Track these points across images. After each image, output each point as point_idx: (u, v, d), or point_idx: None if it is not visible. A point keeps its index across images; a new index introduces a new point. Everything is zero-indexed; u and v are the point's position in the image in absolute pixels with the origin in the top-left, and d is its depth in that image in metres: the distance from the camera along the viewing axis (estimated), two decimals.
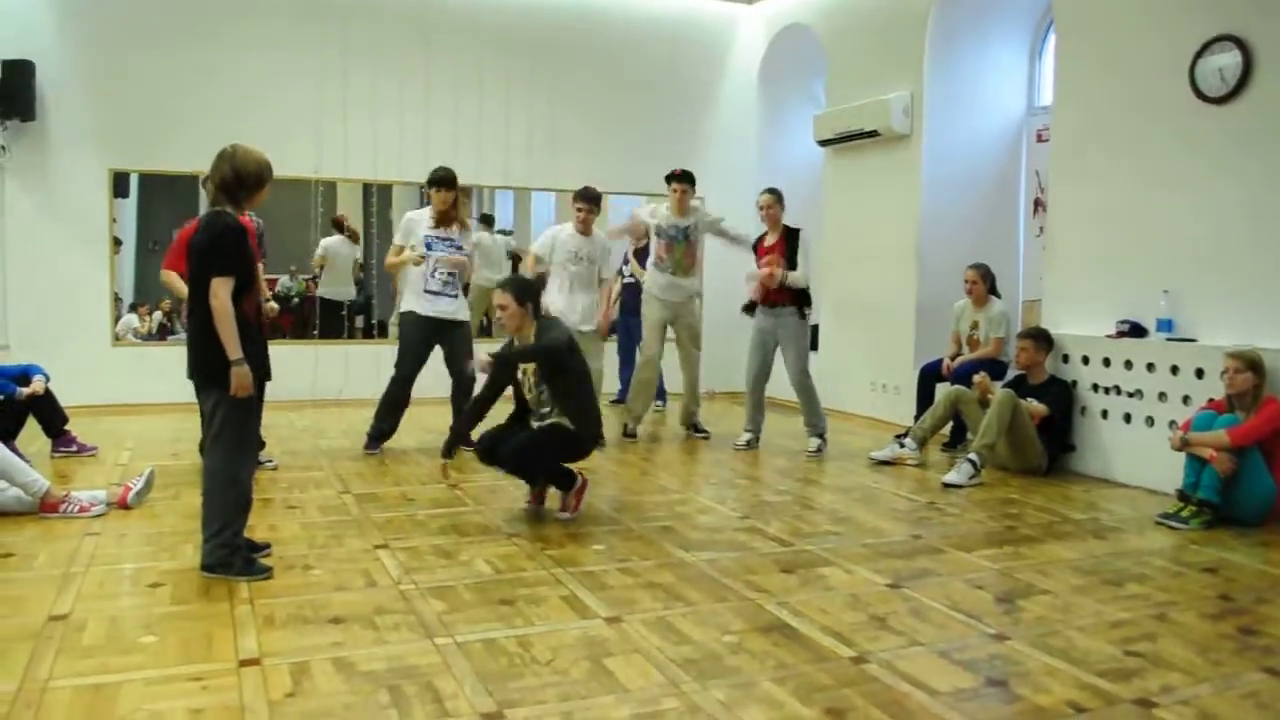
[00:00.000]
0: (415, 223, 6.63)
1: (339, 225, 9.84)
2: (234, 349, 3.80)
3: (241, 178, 3.93)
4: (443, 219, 6.60)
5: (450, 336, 6.64)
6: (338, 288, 9.90)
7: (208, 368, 3.88)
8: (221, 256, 3.82)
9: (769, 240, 7.18)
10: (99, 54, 8.56)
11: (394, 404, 6.69)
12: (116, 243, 8.92)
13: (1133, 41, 6.36)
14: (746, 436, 7.33)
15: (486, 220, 10.37)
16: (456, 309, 6.65)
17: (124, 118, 8.64)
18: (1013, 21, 8.33)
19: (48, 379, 6.31)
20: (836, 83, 9.34)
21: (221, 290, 3.78)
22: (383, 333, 10.04)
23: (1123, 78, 6.42)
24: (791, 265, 7.01)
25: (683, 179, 7.28)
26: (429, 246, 6.54)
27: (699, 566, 4.24)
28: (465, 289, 6.95)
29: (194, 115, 8.59)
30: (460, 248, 6.65)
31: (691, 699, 2.89)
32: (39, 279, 8.41)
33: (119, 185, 8.91)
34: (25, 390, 6.12)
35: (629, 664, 3.13)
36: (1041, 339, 6.57)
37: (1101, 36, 6.58)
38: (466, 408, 5.50)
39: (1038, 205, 8.19)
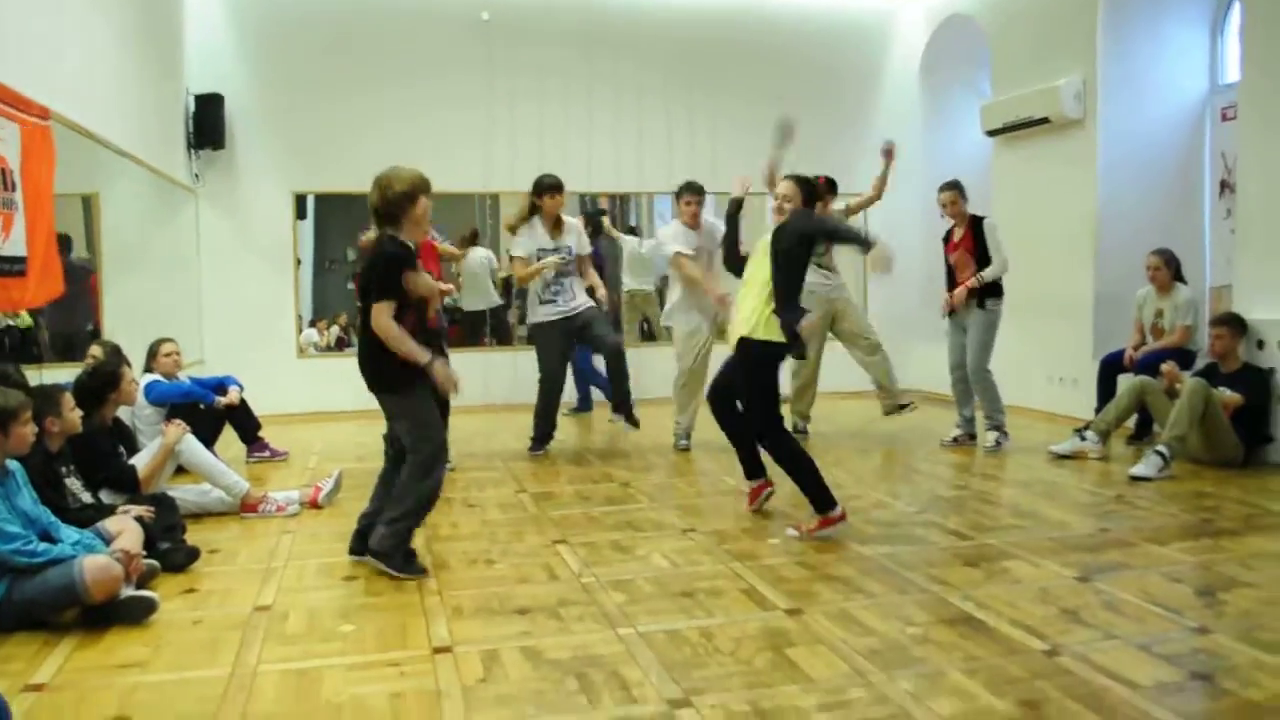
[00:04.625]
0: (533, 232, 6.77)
1: (474, 239, 10.04)
2: (419, 357, 3.92)
3: (389, 200, 4.01)
4: (555, 226, 6.73)
5: (581, 324, 6.75)
6: (477, 298, 10.10)
7: (378, 378, 4.06)
8: (380, 283, 3.93)
9: (956, 235, 7.00)
10: (280, 84, 9.04)
11: (548, 406, 6.85)
12: (297, 262, 9.38)
13: None
14: (955, 432, 7.13)
15: (631, 231, 10.48)
16: (575, 305, 6.75)
17: (303, 143, 9.10)
18: None
19: (242, 389, 6.69)
20: (1002, 71, 9.08)
21: (381, 316, 3.88)
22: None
23: None
24: (982, 257, 6.78)
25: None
26: (538, 259, 6.68)
27: (878, 560, 4.17)
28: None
29: (366, 137, 8.96)
30: (570, 253, 6.75)
31: (879, 689, 2.85)
32: (230, 297, 8.92)
33: (299, 207, 9.37)
34: (223, 400, 6.51)
35: (813, 654, 3.11)
36: (1236, 325, 6.22)
37: None
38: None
39: (1224, 187, 7.77)
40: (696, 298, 6.88)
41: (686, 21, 9.88)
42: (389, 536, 4.05)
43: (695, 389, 6.93)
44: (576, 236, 6.87)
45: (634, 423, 6.92)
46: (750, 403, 4.87)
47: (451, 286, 5.65)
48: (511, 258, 6.91)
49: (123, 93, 6.74)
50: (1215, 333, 6.26)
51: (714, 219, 6.95)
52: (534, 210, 6.80)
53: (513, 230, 6.88)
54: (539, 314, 6.81)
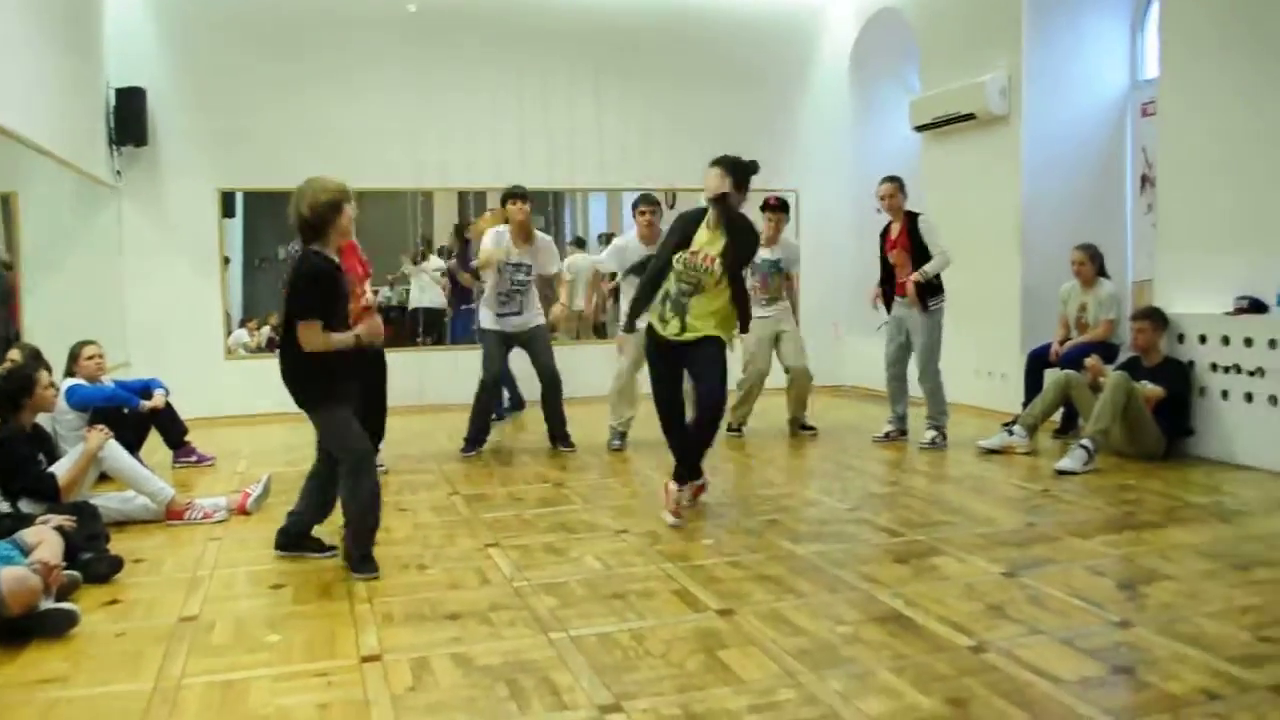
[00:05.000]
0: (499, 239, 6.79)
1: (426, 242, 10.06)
2: (348, 340, 4.05)
3: (315, 213, 4.02)
4: (523, 238, 6.76)
5: (525, 340, 6.85)
6: (434, 296, 10.10)
7: (296, 395, 4.14)
8: (305, 301, 3.98)
9: (894, 231, 6.96)
10: (205, 78, 8.86)
11: (483, 408, 6.88)
12: (225, 261, 9.21)
13: (1241, 4, 6.13)
14: (887, 428, 7.23)
15: (579, 243, 10.51)
16: (527, 319, 6.83)
17: (229, 139, 8.94)
18: None
19: (167, 392, 6.56)
20: (930, 67, 9.19)
21: (310, 335, 3.95)
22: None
23: (1232, 44, 6.19)
24: (919, 254, 6.77)
25: (778, 208, 7.32)
26: (498, 270, 6.72)
27: (809, 558, 4.21)
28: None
29: (295, 133, 8.83)
30: (529, 271, 6.80)
31: (808, 689, 2.87)
32: (155, 297, 8.73)
33: (226, 205, 9.20)
34: (147, 403, 6.36)
35: (744, 656, 3.12)
36: (1157, 319, 6.37)
37: (1208, 1, 6.35)
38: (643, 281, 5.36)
39: (1145, 182, 7.94)
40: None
41: (617, 13, 9.87)
42: (351, 545, 4.15)
43: (632, 390, 7.00)
44: (544, 255, 6.89)
45: (570, 446, 6.97)
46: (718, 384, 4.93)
47: (370, 299, 5.60)
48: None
49: (39, 87, 6.56)
50: (1137, 327, 6.39)
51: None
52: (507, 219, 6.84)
53: (480, 233, 6.94)
54: (486, 319, 6.86)
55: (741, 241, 4.89)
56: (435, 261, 10.09)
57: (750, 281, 7.19)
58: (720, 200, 4.86)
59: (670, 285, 4.94)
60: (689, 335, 4.87)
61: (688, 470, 5.04)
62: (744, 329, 5.04)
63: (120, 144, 8.46)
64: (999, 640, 3.21)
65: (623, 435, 7.06)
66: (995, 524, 4.76)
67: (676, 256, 4.89)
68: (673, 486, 4.97)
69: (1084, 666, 3.00)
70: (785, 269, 7.42)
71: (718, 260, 4.81)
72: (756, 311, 7.17)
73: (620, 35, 9.89)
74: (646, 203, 6.99)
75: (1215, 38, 6.31)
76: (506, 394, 8.41)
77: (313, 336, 3.94)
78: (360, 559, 4.12)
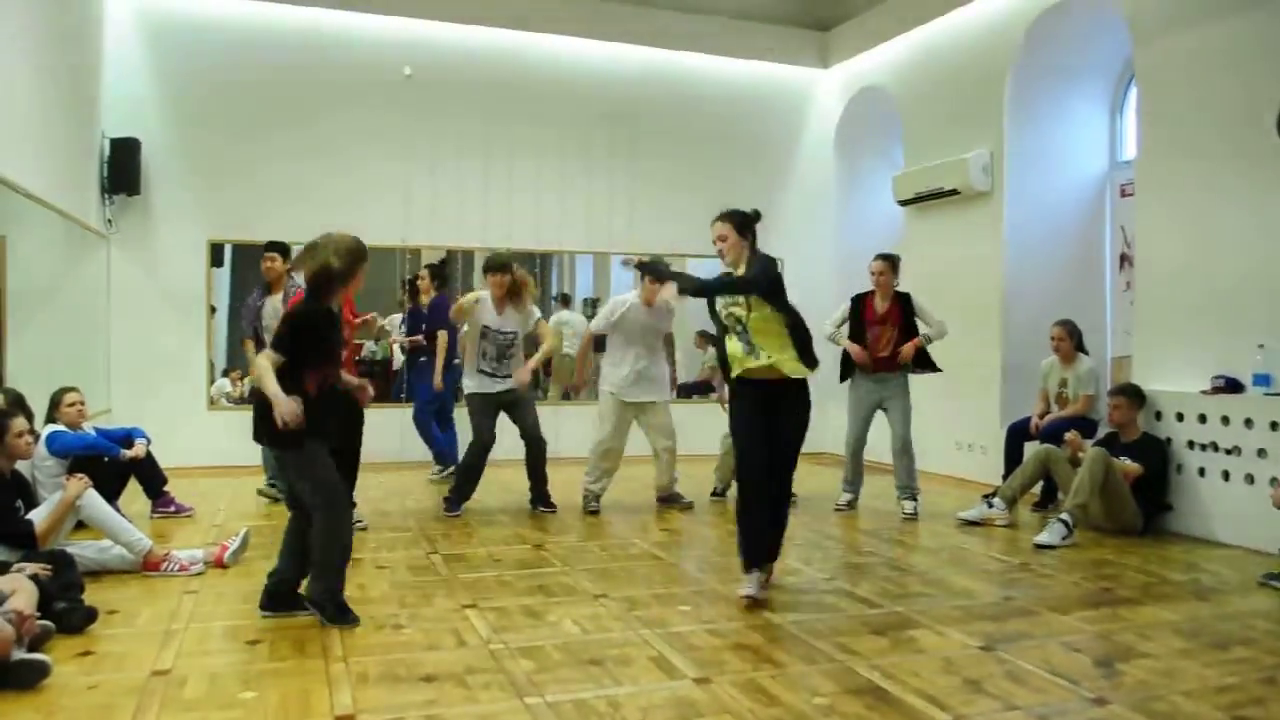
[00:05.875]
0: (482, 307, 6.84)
1: (414, 287, 10.04)
2: (271, 388, 3.99)
3: (332, 274, 4.10)
4: (500, 304, 6.81)
5: (509, 402, 6.86)
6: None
7: (270, 433, 4.14)
8: (287, 336, 4.08)
9: (879, 307, 7.03)
10: (199, 131, 8.94)
11: (470, 467, 6.88)
12: (211, 310, 9.22)
13: (1217, 92, 6.30)
14: (847, 497, 7.27)
15: (564, 300, 10.60)
16: (509, 383, 6.84)
17: (221, 191, 9.00)
18: (1092, 77, 8.28)
19: (149, 442, 6.53)
20: (914, 143, 9.36)
21: (264, 365, 4.02)
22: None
23: (1208, 128, 6.35)
24: (910, 331, 6.91)
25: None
26: (483, 335, 6.77)
27: (787, 628, 4.20)
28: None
29: (287, 188, 8.91)
30: (514, 334, 6.84)
31: None
32: (140, 346, 8.73)
33: (215, 256, 9.23)
34: (128, 452, 6.34)
35: None
36: (1134, 395, 6.45)
37: (1185, 89, 6.53)
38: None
39: (1124, 260, 8.07)
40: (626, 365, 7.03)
41: (608, 82, 10.05)
42: (318, 591, 4.15)
43: (615, 459, 7.05)
44: (525, 319, 6.91)
45: (551, 508, 6.97)
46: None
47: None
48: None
49: (35, 135, 6.61)
50: (1114, 403, 6.47)
51: (666, 300, 7.09)
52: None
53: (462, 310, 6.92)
54: (473, 383, 6.87)
55: (759, 262, 4.75)
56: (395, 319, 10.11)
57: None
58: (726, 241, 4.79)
59: (733, 340, 4.78)
60: (767, 362, 4.67)
61: (770, 552, 4.81)
62: (811, 362, 4.76)
63: (113, 193, 8.51)
64: (975, 715, 3.21)
65: (597, 498, 7.06)
66: (973, 597, 4.77)
67: (717, 308, 4.84)
68: (754, 577, 4.66)
69: None
70: None
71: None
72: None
73: (610, 105, 10.06)
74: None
75: (1191, 123, 6.48)
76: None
77: (264, 361, 4.03)
78: (338, 609, 4.13)
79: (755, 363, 4.72)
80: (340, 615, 4.14)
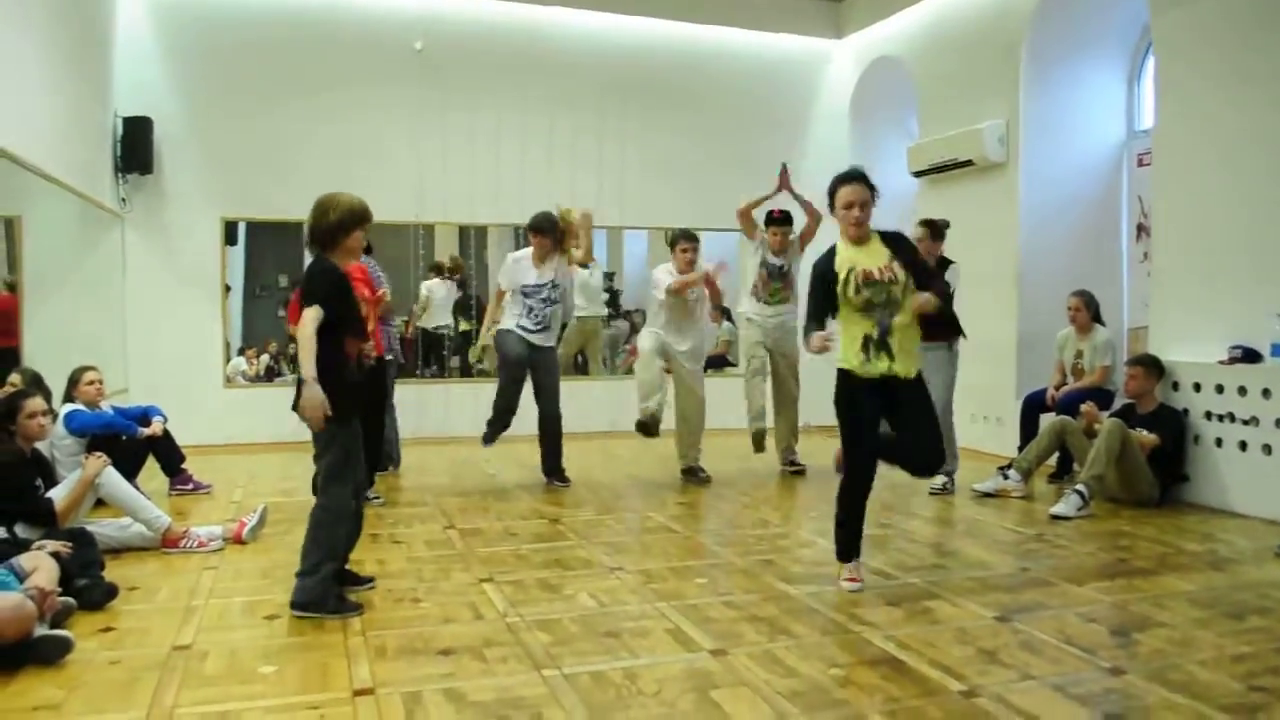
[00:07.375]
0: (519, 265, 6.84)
1: (439, 269, 10.14)
2: (308, 369, 3.82)
3: (327, 226, 4.04)
4: (539, 260, 6.78)
5: (534, 360, 6.82)
6: (439, 323, 10.24)
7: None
8: (311, 292, 3.94)
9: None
10: (211, 109, 8.95)
11: (507, 408, 6.89)
12: (226, 289, 9.25)
13: (1235, 60, 6.23)
14: (940, 479, 6.72)
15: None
16: (543, 338, 6.86)
17: (234, 169, 9.01)
18: (1109, 45, 8.20)
19: (166, 420, 6.57)
20: (929, 113, 9.30)
21: (308, 319, 3.85)
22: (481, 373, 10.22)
23: (1227, 96, 6.28)
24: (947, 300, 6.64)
25: (782, 221, 7.29)
26: (525, 295, 6.77)
27: (803, 600, 4.21)
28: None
29: (299, 165, 8.90)
30: (555, 289, 6.83)
31: None
32: (156, 324, 8.77)
33: (229, 234, 9.26)
34: (145, 430, 6.39)
35: (736, 696, 3.13)
36: (1151, 366, 6.41)
37: (1203, 55, 6.45)
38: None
39: (1141, 230, 8.01)
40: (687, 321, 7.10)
41: (621, 56, 9.99)
42: (314, 586, 3.97)
43: (655, 371, 7.03)
44: (558, 268, 6.89)
45: (565, 481, 6.99)
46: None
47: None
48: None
49: (48, 115, 6.64)
50: (1130, 373, 6.44)
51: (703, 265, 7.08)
52: (525, 242, 6.97)
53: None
54: (509, 321, 6.84)
55: (903, 242, 4.53)
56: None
57: (754, 278, 7.38)
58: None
59: (858, 326, 4.35)
60: (899, 369, 4.33)
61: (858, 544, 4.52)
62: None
63: (126, 172, 8.53)
64: (991, 685, 3.22)
65: (654, 416, 6.91)
66: (989, 568, 4.77)
67: (843, 282, 4.36)
68: (852, 568, 4.47)
69: (1075, 713, 3.01)
70: (789, 272, 7.42)
71: (894, 268, 4.40)
72: (765, 310, 7.32)
73: (625, 75, 10.01)
74: (687, 239, 7.03)
75: (1209, 91, 6.40)
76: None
77: (311, 325, 3.83)
78: (337, 601, 3.99)
79: (878, 367, 4.32)
80: (340, 606, 3.98)
